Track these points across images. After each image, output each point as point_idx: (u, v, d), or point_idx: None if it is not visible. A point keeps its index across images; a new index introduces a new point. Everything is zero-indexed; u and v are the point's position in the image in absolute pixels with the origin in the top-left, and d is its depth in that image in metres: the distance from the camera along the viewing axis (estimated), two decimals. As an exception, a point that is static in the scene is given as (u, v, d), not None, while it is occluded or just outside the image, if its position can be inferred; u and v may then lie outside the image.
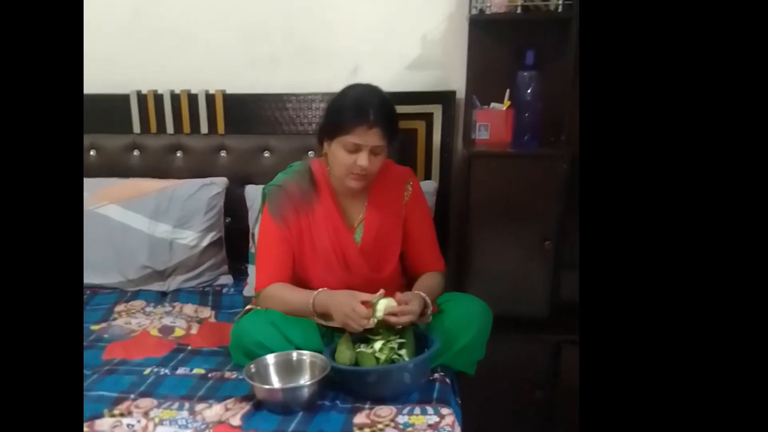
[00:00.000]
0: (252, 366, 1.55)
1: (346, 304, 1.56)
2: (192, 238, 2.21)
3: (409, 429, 1.41)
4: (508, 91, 2.11)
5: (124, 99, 2.34)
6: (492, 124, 2.11)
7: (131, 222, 2.20)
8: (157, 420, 1.45)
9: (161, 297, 2.18)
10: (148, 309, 2.08)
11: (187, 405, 1.51)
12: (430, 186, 2.21)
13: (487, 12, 2.07)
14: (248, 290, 2.18)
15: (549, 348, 2.13)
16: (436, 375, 1.64)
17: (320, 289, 1.65)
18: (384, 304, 1.55)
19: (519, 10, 2.05)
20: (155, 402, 1.53)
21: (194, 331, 1.93)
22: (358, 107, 1.62)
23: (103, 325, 1.95)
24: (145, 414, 1.48)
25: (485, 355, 1.75)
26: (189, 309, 2.07)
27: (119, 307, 2.08)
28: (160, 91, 2.34)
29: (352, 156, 1.65)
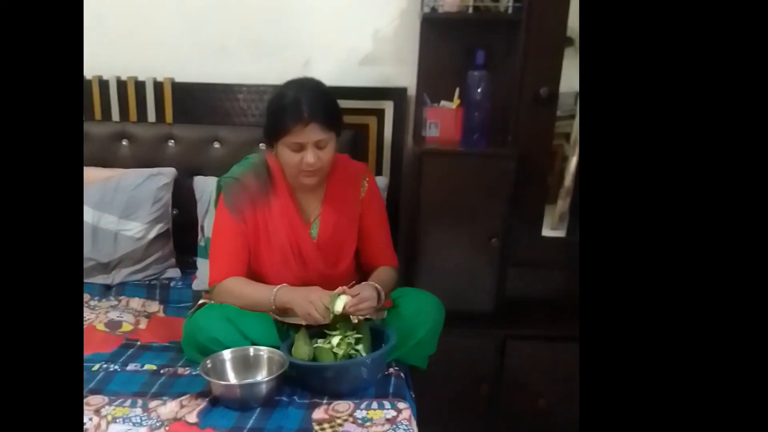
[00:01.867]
0: (208, 361, 1.53)
1: (312, 292, 1.57)
2: (138, 229, 2.15)
3: (368, 424, 1.43)
4: (458, 89, 2.15)
5: (66, 84, 2.25)
6: (442, 122, 2.15)
7: (74, 212, 2.12)
8: (110, 418, 1.42)
9: (105, 290, 2.12)
10: (92, 303, 2.02)
11: (140, 402, 1.49)
12: (381, 182, 2.23)
13: (440, 11, 2.10)
14: (197, 284, 2.14)
15: (494, 343, 2.20)
16: (391, 369, 1.67)
17: (281, 285, 1.65)
18: (342, 301, 1.56)
19: (470, 10, 2.09)
20: (106, 399, 1.49)
21: (143, 326, 1.89)
22: (291, 106, 1.62)
23: (45, 319, 1.88)
24: (97, 411, 1.44)
25: (433, 350, 1.79)
26: (136, 303, 2.03)
27: (61, 301, 2.01)
28: (105, 77, 2.26)
29: (297, 155, 1.65)
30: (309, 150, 1.63)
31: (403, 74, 2.30)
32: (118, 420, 1.41)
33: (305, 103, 1.61)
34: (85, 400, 1.48)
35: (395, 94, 2.29)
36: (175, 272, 2.24)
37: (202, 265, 2.15)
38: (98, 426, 1.39)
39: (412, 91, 2.28)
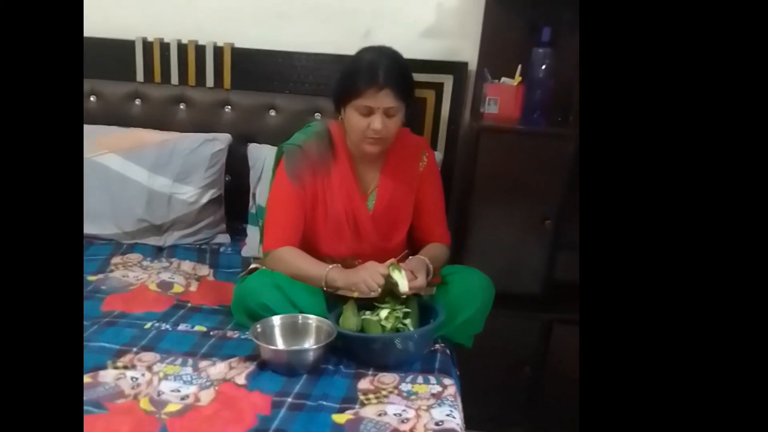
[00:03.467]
0: (258, 326, 1.55)
1: (369, 267, 1.57)
2: (191, 193, 2.17)
3: (413, 397, 1.42)
4: (519, 66, 2.09)
5: (128, 45, 2.28)
6: (501, 98, 2.09)
7: (130, 173, 2.16)
8: (161, 374, 1.45)
9: (157, 252, 2.15)
10: (145, 263, 2.05)
11: (190, 361, 1.51)
12: (435, 157, 2.20)
13: (507, -15, 2.05)
14: (246, 251, 2.16)
15: (540, 326, 2.16)
16: (437, 346, 1.66)
17: (333, 266, 1.65)
18: (404, 276, 1.56)
19: (538, -14, 2.03)
20: (158, 356, 1.52)
21: (193, 288, 1.91)
22: (367, 69, 1.61)
23: (100, 276, 1.93)
24: (149, 368, 1.47)
25: (479, 329, 1.77)
26: (187, 266, 2.05)
27: (115, 259, 2.06)
28: (166, 40, 2.27)
29: (366, 119, 1.63)
30: (378, 116, 1.62)
31: (465, 48, 2.24)
32: (169, 377, 1.44)
33: (382, 68, 1.60)
34: (137, 356, 1.51)
35: (455, 68, 2.24)
36: (225, 238, 2.27)
37: (252, 232, 2.17)
38: (150, 382, 1.42)
39: (472, 65, 2.23)
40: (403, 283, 1.55)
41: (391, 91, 1.60)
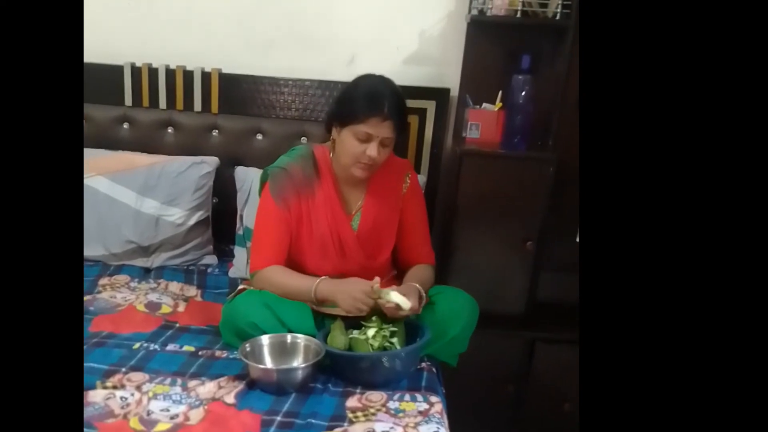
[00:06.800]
0: (247, 345, 1.57)
1: (356, 289, 1.60)
2: (179, 215, 2.19)
3: (401, 414, 1.45)
4: (500, 92, 2.16)
5: (117, 70, 2.30)
6: (483, 123, 2.16)
7: (118, 195, 2.17)
8: (150, 394, 1.46)
9: (145, 273, 2.16)
10: (132, 284, 2.06)
11: (179, 381, 1.53)
12: (419, 180, 2.25)
13: (488, 14, 2.11)
14: (234, 272, 2.18)
15: (523, 345, 2.20)
16: (423, 364, 1.69)
17: (323, 277, 1.68)
18: (398, 296, 1.59)
19: (518, 15, 2.10)
20: (147, 376, 1.53)
21: (181, 308, 1.93)
22: (373, 98, 1.65)
23: (88, 297, 1.93)
24: (138, 388, 1.48)
25: (462, 348, 1.80)
26: (174, 287, 2.07)
27: (103, 281, 2.06)
28: (154, 65, 2.31)
29: (362, 145, 1.67)
30: (375, 144, 1.66)
31: (447, 75, 2.31)
32: (158, 397, 1.45)
33: (387, 99, 1.65)
34: (126, 376, 1.52)
35: (438, 94, 2.30)
36: (212, 259, 2.28)
37: (239, 254, 2.19)
38: (140, 401, 1.43)
39: (454, 92, 2.29)
40: (403, 300, 1.58)
41: (392, 123, 1.65)
